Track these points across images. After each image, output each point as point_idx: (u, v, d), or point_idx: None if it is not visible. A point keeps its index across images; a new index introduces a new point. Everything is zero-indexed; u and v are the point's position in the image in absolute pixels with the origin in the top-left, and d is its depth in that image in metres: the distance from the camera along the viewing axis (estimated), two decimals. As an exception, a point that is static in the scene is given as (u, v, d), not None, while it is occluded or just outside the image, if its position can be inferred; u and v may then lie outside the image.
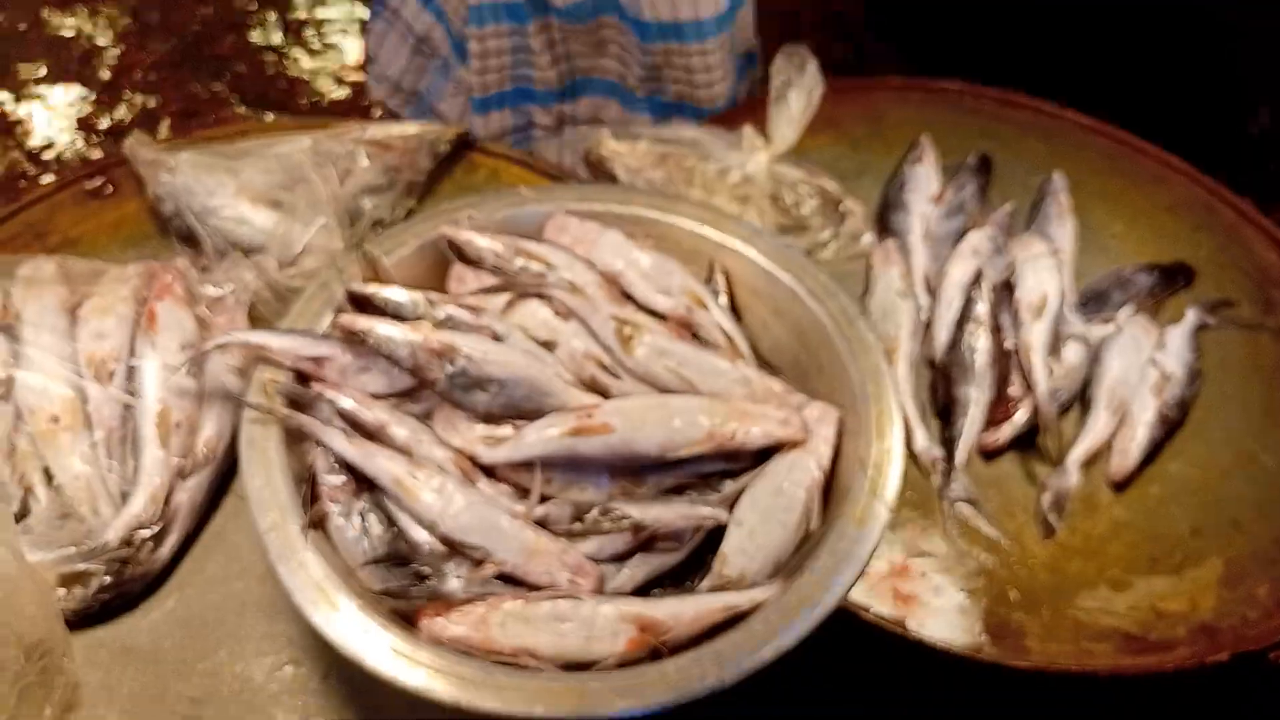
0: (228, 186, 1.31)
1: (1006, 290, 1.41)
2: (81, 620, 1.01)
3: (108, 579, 1.01)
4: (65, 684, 0.95)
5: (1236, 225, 1.61)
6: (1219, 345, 1.45)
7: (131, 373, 1.12)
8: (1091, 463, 1.31)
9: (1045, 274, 1.39)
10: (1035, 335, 1.34)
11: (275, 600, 1.07)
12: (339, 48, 2.77)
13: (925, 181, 1.54)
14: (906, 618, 1.16)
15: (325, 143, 1.41)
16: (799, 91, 1.39)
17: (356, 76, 2.70)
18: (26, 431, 1.09)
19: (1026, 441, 1.32)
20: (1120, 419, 1.33)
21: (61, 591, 0.99)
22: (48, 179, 2.40)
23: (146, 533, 1.04)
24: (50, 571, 0.97)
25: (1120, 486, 1.30)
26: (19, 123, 2.50)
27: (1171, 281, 1.51)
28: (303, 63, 2.72)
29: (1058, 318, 1.37)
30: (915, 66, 1.95)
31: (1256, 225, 1.61)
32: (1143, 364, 1.37)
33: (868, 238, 1.48)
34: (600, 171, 1.47)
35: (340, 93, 2.68)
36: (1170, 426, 1.34)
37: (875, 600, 1.17)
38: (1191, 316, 1.45)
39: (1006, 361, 1.34)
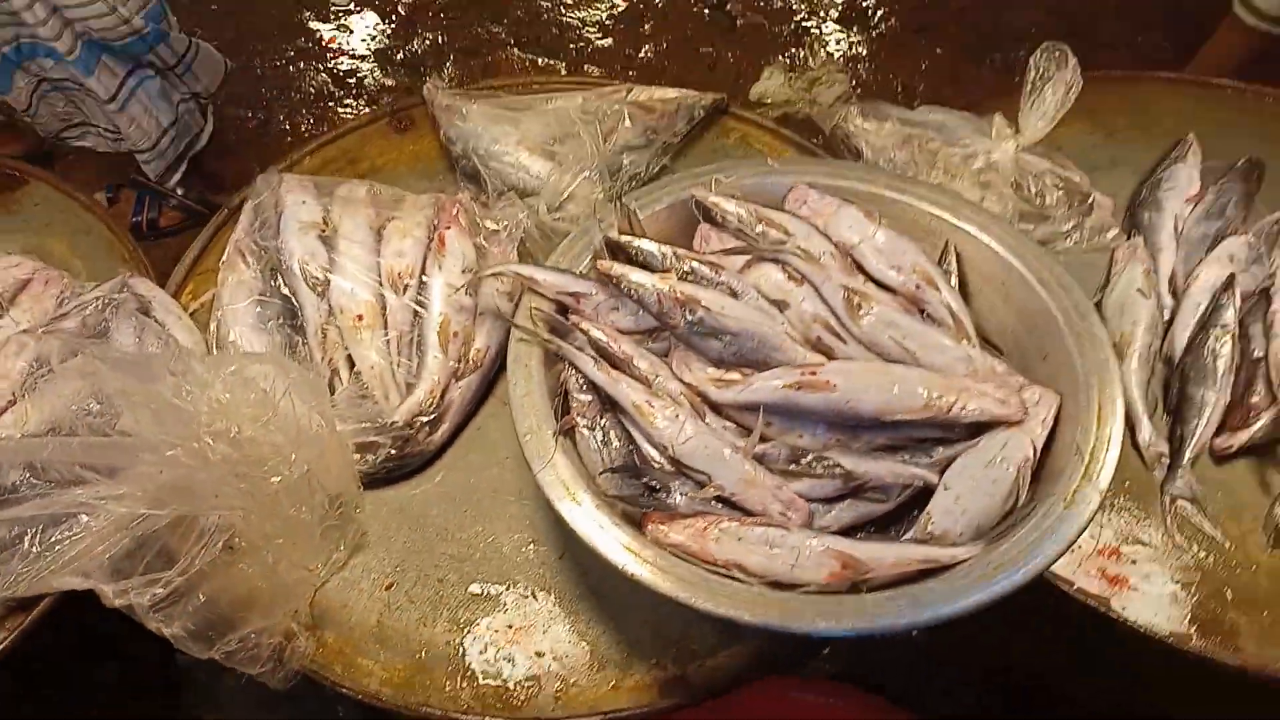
0: (510, 135, 1.47)
1: (1263, 300, 1.36)
2: (370, 482, 1.22)
3: (392, 451, 1.21)
4: (356, 530, 1.16)
5: None
6: None
7: (422, 287, 1.30)
8: (1334, 486, 1.26)
9: (1307, 289, 1.33)
10: (1287, 349, 1.29)
11: (523, 489, 1.25)
12: (597, 4, 2.93)
13: (1185, 181, 1.49)
14: (1111, 598, 1.18)
15: (594, 101, 1.54)
16: (1056, 87, 1.38)
17: (619, 28, 2.85)
18: (336, 325, 1.30)
19: (1264, 451, 1.28)
20: (1371, 447, 1.27)
21: (357, 456, 1.19)
22: (348, 101, 2.71)
23: (425, 419, 1.23)
24: (350, 439, 1.18)
25: (1363, 513, 1.25)
26: (328, 49, 2.82)
27: None
28: (574, 12, 2.90)
29: (1316, 335, 1.31)
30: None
31: None
32: (1406, 395, 1.29)
33: (1113, 232, 1.46)
34: (846, 146, 1.52)
35: (605, 41, 2.84)
36: None
37: (1081, 578, 1.20)
38: None
39: (1253, 369, 1.30)
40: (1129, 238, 1.45)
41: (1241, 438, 1.26)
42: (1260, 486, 1.26)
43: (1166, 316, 1.37)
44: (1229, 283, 1.33)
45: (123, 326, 1.28)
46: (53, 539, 0.99)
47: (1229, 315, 1.30)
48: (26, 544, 1.00)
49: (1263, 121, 1.64)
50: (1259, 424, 1.25)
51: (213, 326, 1.31)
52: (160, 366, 1.00)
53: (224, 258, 1.39)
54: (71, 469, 1.01)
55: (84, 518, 0.98)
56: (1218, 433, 1.27)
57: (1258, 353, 1.30)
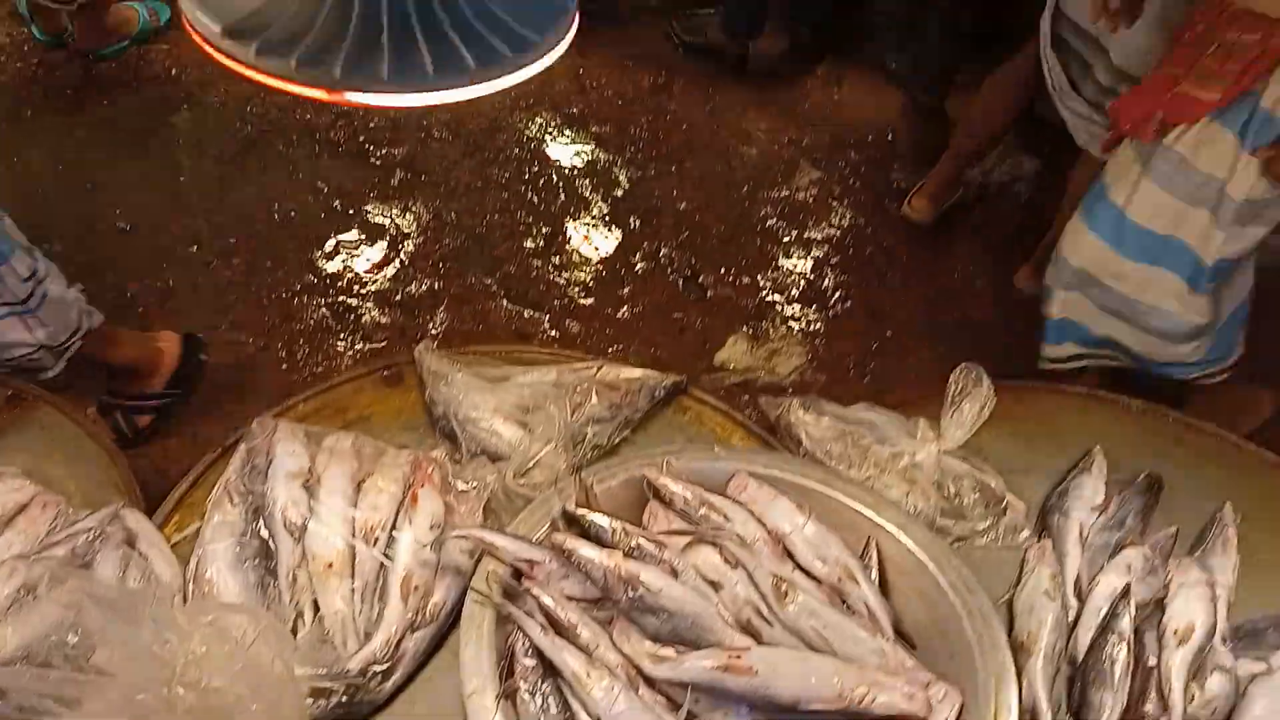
0: (488, 403, 1.64)
1: (1157, 611, 1.49)
2: (317, 728, 1.28)
3: (344, 699, 1.27)
4: (299, 780, 1.21)
5: None
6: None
7: (391, 541, 1.42)
8: (1223, 800, 1.34)
9: (1196, 603, 1.46)
10: (1177, 660, 1.40)
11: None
12: (587, 263, 3.22)
13: (1090, 491, 1.66)
14: None
15: (567, 376, 1.73)
16: (972, 403, 1.57)
17: (600, 289, 3.12)
18: (307, 569, 1.40)
19: (1157, 761, 1.36)
20: (1260, 762, 1.36)
21: (310, 700, 1.26)
22: (344, 336, 2.91)
23: (379, 668, 1.31)
24: (305, 683, 1.25)
25: (1250, 832, 1.32)
26: (331, 285, 3.06)
27: (1338, 632, 1.52)
28: (561, 273, 3.18)
29: (1204, 647, 1.43)
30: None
31: None
32: (1290, 711, 1.40)
33: (1025, 533, 1.61)
34: (788, 435, 1.69)
35: (587, 300, 3.10)
36: (1312, 782, 1.35)
37: None
38: (1356, 672, 1.46)
39: (1146, 678, 1.41)
40: (1039, 540, 1.59)
41: (1134, 745, 1.35)
42: (1156, 796, 1.34)
43: (1071, 618, 1.49)
44: (1125, 591, 1.46)
45: (108, 558, 1.37)
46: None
47: (1124, 623, 1.42)
48: (-16, 772, 1.05)
49: (1163, 441, 1.83)
50: (1150, 733, 1.35)
51: (193, 562, 1.41)
52: (143, 608, 1.09)
53: (212, 495, 1.50)
54: (41, 700, 1.07)
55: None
56: (1114, 737, 1.36)
57: (1151, 660, 1.41)
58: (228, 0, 1.02)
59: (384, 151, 3.57)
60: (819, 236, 3.40)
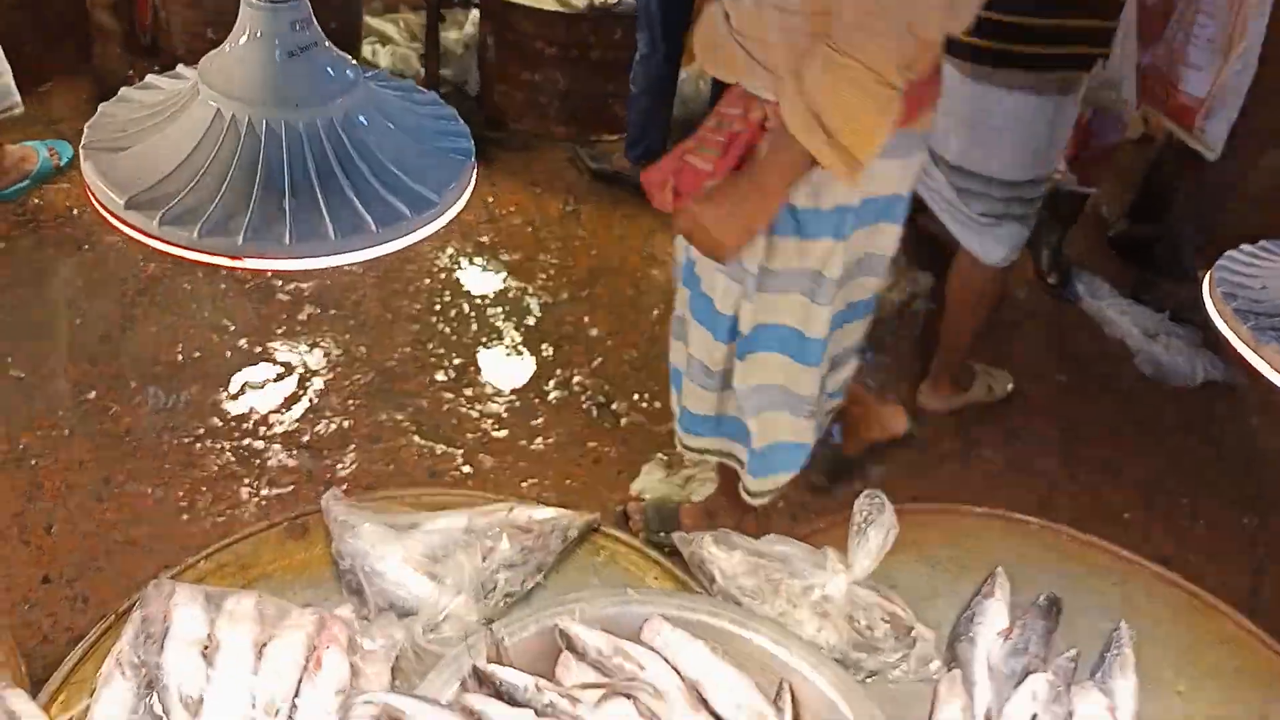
0: (396, 554, 1.61)
1: (1065, 735, 1.51)
2: None
3: None
4: None
5: (1309, 696, 1.67)
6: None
7: (294, 710, 1.36)
8: None
9: (1100, 728, 1.49)
10: (1085, 789, 1.42)
11: None
12: (500, 394, 3.23)
13: (994, 616, 1.69)
14: None
15: (477, 520, 1.71)
16: (877, 530, 1.61)
17: (513, 421, 3.12)
18: (203, 748, 1.33)
19: None
20: None
21: None
22: (248, 480, 2.84)
23: None
24: None
25: None
26: (236, 428, 3.00)
27: (1236, 747, 1.57)
28: (474, 405, 3.18)
29: (1110, 774, 1.46)
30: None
31: (1332, 700, 1.66)
32: (1198, 834, 1.42)
33: (936, 663, 1.63)
34: (701, 571, 1.70)
35: (500, 432, 3.10)
36: None
37: None
38: (1256, 789, 1.50)
39: (1058, 810, 1.42)
40: (949, 669, 1.61)
41: None
42: None
43: (984, 750, 1.50)
44: (1032, 721, 1.49)
45: (-17, 747, 1.28)
46: None
47: (1033, 755, 1.45)
48: None
49: (1061, 559, 1.89)
50: None
51: (78, 747, 1.33)
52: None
53: (102, 670, 1.43)
54: None
55: None
56: None
57: (1061, 792, 1.43)
58: (131, 170, 1.04)
59: (292, 286, 3.57)
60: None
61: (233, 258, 0.97)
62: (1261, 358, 1.04)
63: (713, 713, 1.35)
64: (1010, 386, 3.48)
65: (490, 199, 4.09)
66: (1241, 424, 3.51)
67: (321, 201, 1.00)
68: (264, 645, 1.45)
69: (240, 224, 0.95)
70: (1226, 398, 3.55)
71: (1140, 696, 1.61)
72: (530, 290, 3.72)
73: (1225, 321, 1.08)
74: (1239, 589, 1.81)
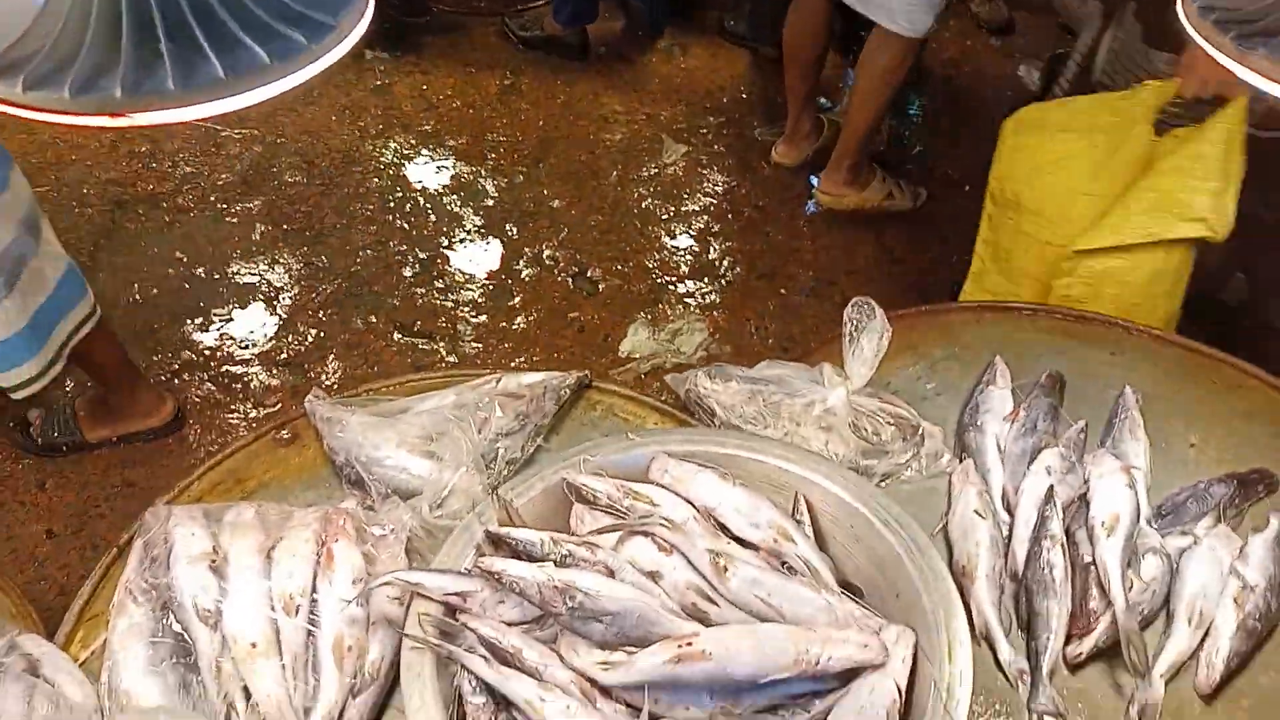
0: (390, 440, 1.57)
1: (1083, 507, 1.52)
2: (271, 823, 1.20)
3: (296, 787, 1.20)
4: None
5: (1317, 428, 1.68)
6: (1309, 551, 1.50)
7: (314, 605, 1.34)
8: (1178, 675, 1.37)
9: (1117, 492, 1.49)
10: (1109, 551, 1.42)
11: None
12: (472, 280, 3.16)
13: (999, 402, 1.68)
14: (998, 830, 1.23)
15: (467, 394, 1.67)
16: (869, 336, 1.58)
17: (490, 304, 3.06)
18: (230, 656, 1.31)
19: (1113, 653, 1.38)
20: (1204, 631, 1.39)
21: (256, 796, 1.18)
22: (235, 407, 2.79)
23: (324, 745, 1.24)
24: (249, 780, 1.17)
25: (1209, 699, 1.35)
26: (212, 357, 2.93)
27: (1251, 490, 1.58)
28: (447, 295, 3.11)
29: (1133, 533, 1.46)
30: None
31: (1339, 428, 1.67)
32: (1223, 575, 1.44)
33: (947, 457, 1.62)
34: (700, 407, 1.67)
35: (479, 318, 3.04)
36: (1256, 637, 1.39)
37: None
38: (1275, 524, 1.51)
39: (1085, 575, 1.43)
40: (960, 462, 1.61)
41: (1087, 645, 1.36)
42: (1114, 690, 1.36)
43: (1006, 533, 1.50)
44: (1049, 495, 1.49)
45: (10, 691, 1.26)
46: None
47: (1055, 526, 1.44)
48: None
49: (1056, 338, 1.87)
50: (1099, 628, 1.37)
51: (104, 677, 1.31)
52: (49, 740, 1.00)
53: (114, 601, 1.40)
54: None
55: None
56: (1067, 641, 1.38)
57: (1086, 558, 1.44)
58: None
59: (238, 207, 3.44)
60: (696, 208, 3.40)
61: (113, 114, 0.85)
62: (1249, 68, 0.97)
63: (732, 536, 1.33)
64: (921, 200, 3.36)
65: (425, 86, 3.91)
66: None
67: (202, 39, 0.87)
68: (271, 550, 1.42)
69: (114, 76, 0.83)
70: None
71: (1153, 455, 1.62)
72: (483, 172, 3.59)
73: (1206, 38, 1.00)
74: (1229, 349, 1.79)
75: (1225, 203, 1.96)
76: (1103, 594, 1.40)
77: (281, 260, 3.25)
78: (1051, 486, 1.50)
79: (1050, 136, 2.21)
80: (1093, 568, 1.42)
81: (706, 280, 3.14)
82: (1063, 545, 1.43)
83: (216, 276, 3.20)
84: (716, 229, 3.32)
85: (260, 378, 2.86)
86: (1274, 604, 1.42)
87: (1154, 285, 1.93)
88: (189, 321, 3.03)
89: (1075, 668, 1.38)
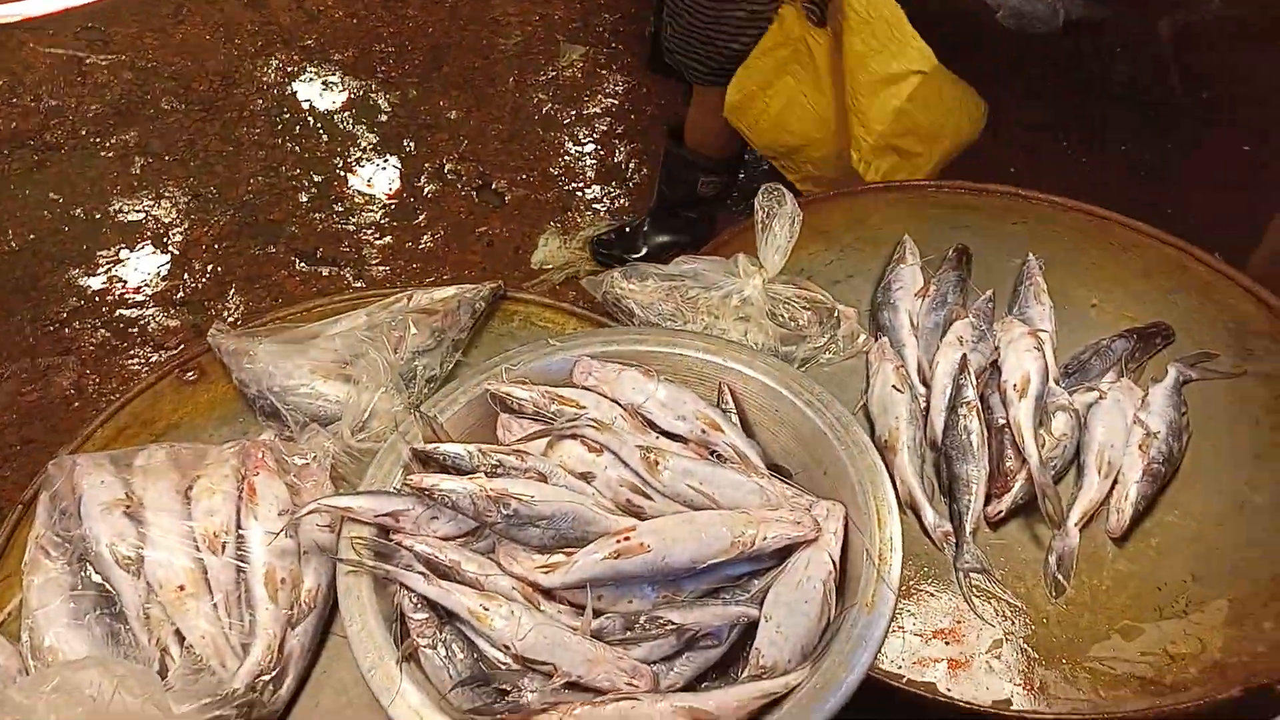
0: (302, 367, 1.52)
1: (995, 373, 1.56)
2: (221, 759, 1.19)
3: (239, 721, 1.19)
4: (215, 816, 1.13)
5: (1210, 281, 1.75)
6: (1205, 398, 1.58)
7: (240, 540, 1.31)
8: (1091, 522, 1.44)
9: (1026, 355, 1.54)
10: (1022, 413, 1.48)
11: (381, 724, 1.24)
12: (373, 201, 3.05)
13: (909, 279, 1.71)
14: (937, 682, 1.29)
15: (378, 314, 1.62)
16: (781, 222, 1.57)
17: (394, 225, 2.96)
18: (157, 601, 1.28)
19: (1030, 508, 1.45)
20: (1113, 479, 1.46)
21: (203, 735, 1.16)
22: (133, 352, 2.67)
23: (267, 678, 1.22)
24: (191, 719, 1.15)
25: (1120, 541, 1.43)
26: (102, 303, 2.78)
27: (1150, 343, 1.65)
28: (348, 219, 3.00)
29: (1043, 394, 1.51)
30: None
31: (1229, 278, 1.74)
32: (1128, 425, 1.51)
33: (863, 337, 1.65)
34: (619, 309, 1.66)
35: (383, 240, 2.94)
36: (1160, 480, 1.46)
37: (910, 669, 1.31)
38: (1172, 373, 1.58)
39: (1000, 438, 1.49)
40: (876, 340, 1.63)
41: (1006, 502, 1.43)
42: (1033, 542, 1.43)
43: (923, 405, 1.54)
44: (963, 363, 1.53)
45: (-77, 662, 1.21)
46: None
47: (969, 393, 1.49)
48: None
49: (961, 213, 1.90)
50: (1016, 486, 1.43)
51: (24, 636, 1.26)
52: (-27, 703, 0.96)
53: (25, 558, 1.34)
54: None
55: None
56: (986, 502, 1.43)
57: (1001, 421, 1.49)
58: None
59: (112, 140, 3.24)
60: (598, 110, 3.33)
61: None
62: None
63: (661, 432, 1.34)
64: None
65: (303, -3, 3.70)
66: (1107, 60, 3.52)
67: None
68: (188, 490, 1.38)
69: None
70: (1090, 35, 3.55)
71: (1057, 317, 1.67)
72: (373, 86, 3.44)
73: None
74: (1132, 216, 1.84)
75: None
76: (1018, 454, 1.45)
77: (167, 194, 3.08)
78: (964, 356, 1.54)
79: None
80: (1007, 430, 1.48)
81: (614, 184, 3.09)
82: (978, 411, 1.48)
83: (98, 216, 3.02)
84: (620, 130, 3.26)
85: (158, 319, 2.73)
86: (1175, 448, 1.49)
87: (929, 110, 2.16)
88: (73, 267, 2.87)
89: (996, 525, 1.44)
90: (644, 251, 2.79)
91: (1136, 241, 1.82)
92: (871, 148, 2.18)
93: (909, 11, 2.13)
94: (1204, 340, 1.66)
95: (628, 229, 2.84)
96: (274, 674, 1.23)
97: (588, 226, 2.90)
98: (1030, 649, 1.32)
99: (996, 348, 1.58)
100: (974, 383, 1.50)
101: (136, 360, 2.62)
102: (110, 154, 3.20)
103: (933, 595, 1.38)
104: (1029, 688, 1.28)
